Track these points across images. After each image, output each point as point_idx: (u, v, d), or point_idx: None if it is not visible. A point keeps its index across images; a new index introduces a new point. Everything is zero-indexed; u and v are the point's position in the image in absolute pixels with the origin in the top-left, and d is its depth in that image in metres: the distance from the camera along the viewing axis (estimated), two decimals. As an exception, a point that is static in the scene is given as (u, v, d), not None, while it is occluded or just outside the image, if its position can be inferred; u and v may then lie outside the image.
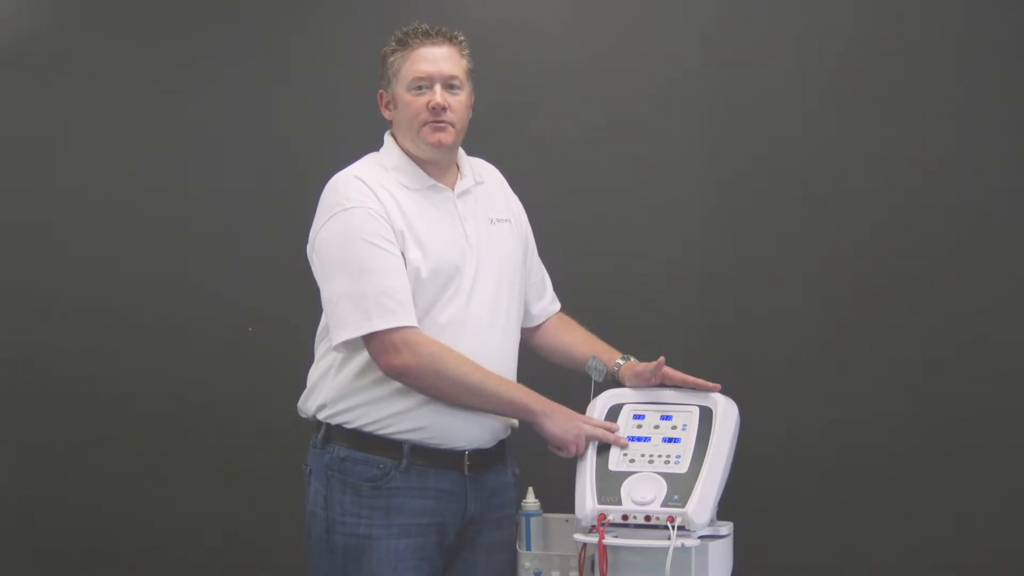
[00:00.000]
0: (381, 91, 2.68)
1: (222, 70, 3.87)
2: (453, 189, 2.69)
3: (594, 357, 2.77)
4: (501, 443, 2.73)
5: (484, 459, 2.69)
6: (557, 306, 2.93)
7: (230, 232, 3.85)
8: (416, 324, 2.55)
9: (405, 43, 2.63)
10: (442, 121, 2.61)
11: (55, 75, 3.95)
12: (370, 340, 2.54)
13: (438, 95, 2.61)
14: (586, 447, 2.60)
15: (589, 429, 2.60)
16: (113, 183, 3.92)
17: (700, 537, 2.48)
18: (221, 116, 3.86)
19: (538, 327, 2.90)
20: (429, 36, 2.62)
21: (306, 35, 3.81)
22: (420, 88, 2.61)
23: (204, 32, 3.87)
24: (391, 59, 2.64)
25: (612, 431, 2.61)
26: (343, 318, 2.54)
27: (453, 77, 2.63)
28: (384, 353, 2.53)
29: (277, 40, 3.83)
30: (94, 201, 3.93)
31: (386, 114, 2.69)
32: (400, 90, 2.62)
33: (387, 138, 2.71)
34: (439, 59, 2.62)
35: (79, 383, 3.94)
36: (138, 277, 3.90)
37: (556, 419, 2.60)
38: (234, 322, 3.84)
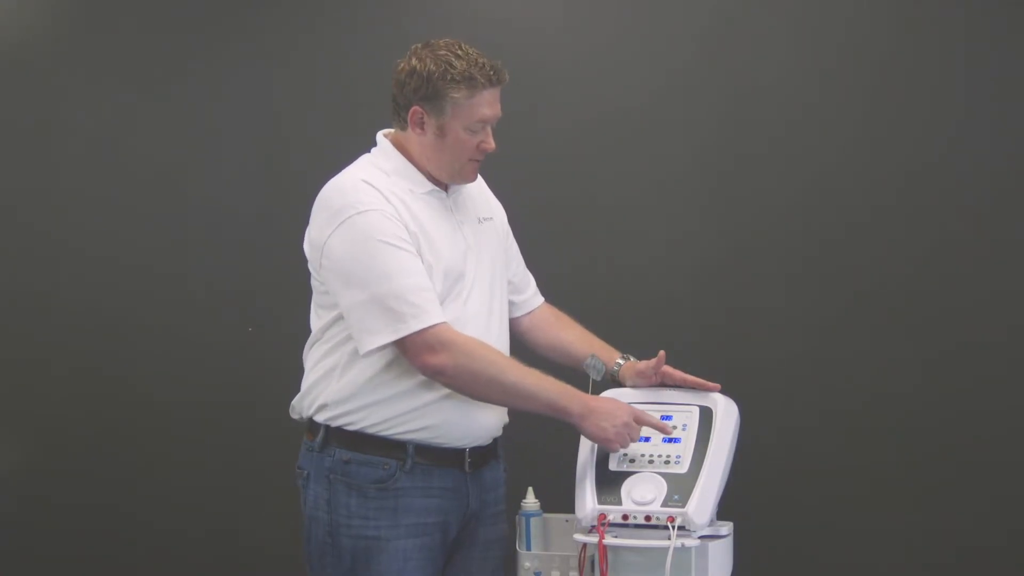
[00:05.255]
0: (418, 109, 2.59)
1: (222, 70, 3.87)
2: (447, 192, 2.70)
3: (593, 356, 2.77)
4: (495, 439, 2.74)
5: (482, 456, 2.70)
6: (540, 299, 2.94)
7: (230, 232, 3.85)
8: (445, 319, 2.54)
9: (473, 81, 2.56)
10: (480, 160, 2.66)
11: (55, 75, 3.95)
12: (404, 343, 2.53)
13: (491, 140, 2.63)
14: (638, 431, 2.57)
15: (636, 416, 2.57)
16: (113, 183, 3.92)
17: (700, 537, 2.48)
18: (221, 116, 3.86)
19: (533, 323, 2.90)
20: (492, 78, 2.58)
21: (307, 35, 3.81)
22: (476, 130, 2.61)
23: (204, 32, 3.87)
24: (453, 94, 2.56)
25: (663, 428, 2.59)
26: (373, 323, 2.52)
27: (498, 117, 2.65)
28: (421, 353, 2.52)
29: (278, 40, 3.83)
30: (94, 201, 3.93)
31: (416, 131, 2.62)
32: (455, 126, 2.58)
33: (383, 141, 2.69)
34: (496, 102, 2.62)
35: (79, 383, 3.94)
36: (138, 277, 3.90)
37: (593, 417, 2.56)
38: (234, 322, 3.84)
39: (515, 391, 2.57)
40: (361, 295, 2.52)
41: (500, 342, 2.71)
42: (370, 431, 2.59)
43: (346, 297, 2.55)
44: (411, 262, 2.54)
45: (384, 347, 2.54)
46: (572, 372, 2.81)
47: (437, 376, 2.55)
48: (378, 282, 2.51)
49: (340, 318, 2.60)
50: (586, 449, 2.61)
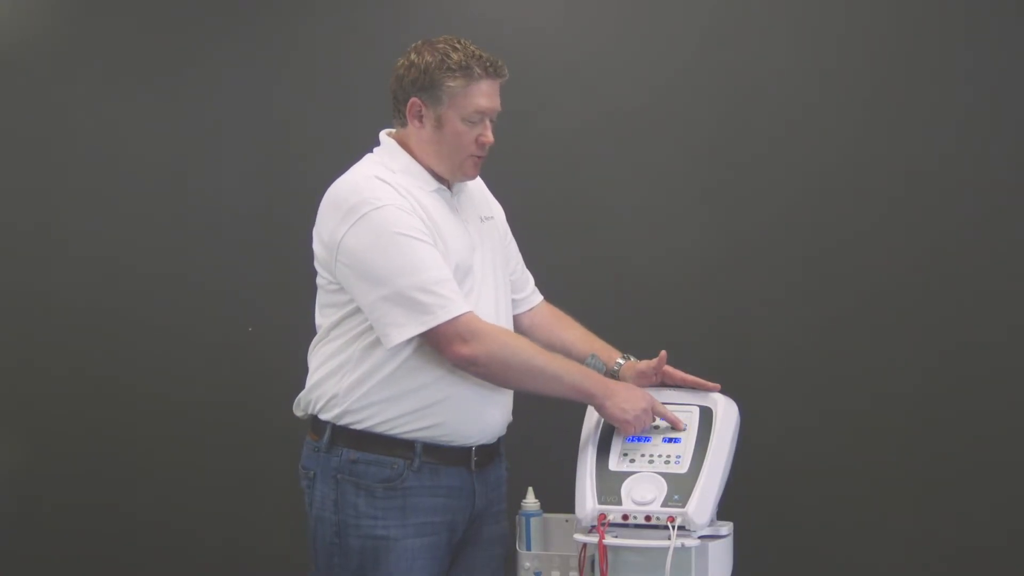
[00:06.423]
0: (416, 100, 2.61)
1: (222, 70, 3.87)
2: (450, 191, 2.70)
3: (593, 355, 2.77)
4: (500, 438, 2.74)
5: (488, 454, 2.70)
6: (539, 297, 2.95)
7: (230, 232, 3.85)
8: (471, 308, 2.56)
9: (469, 71, 2.58)
10: (482, 156, 2.66)
11: (55, 75, 3.95)
12: (433, 334, 2.53)
13: (490, 132, 2.64)
14: (653, 420, 2.61)
15: (654, 406, 2.61)
16: (113, 183, 3.92)
17: (700, 537, 2.47)
18: (221, 116, 3.86)
19: (533, 322, 2.90)
20: (489, 70, 2.60)
21: (307, 35, 3.81)
22: (474, 121, 2.62)
23: (204, 32, 3.87)
24: (449, 83, 2.58)
25: (676, 422, 2.62)
26: (399, 316, 2.52)
27: (497, 112, 2.66)
28: (452, 344, 2.53)
29: (278, 40, 3.84)
30: (94, 201, 3.93)
31: (414, 124, 2.64)
32: (452, 116, 2.60)
33: (387, 140, 2.69)
34: (494, 94, 2.63)
35: (79, 383, 3.94)
36: (138, 277, 3.90)
37: (616, 399, 2.60)
38: (234, 322, 3.84)
39: (543, 375, 2.59)
40: (384, 289, 2.52)
41: None
42: (377, 430, 2.59)
43: (368, 293, 2.55)
44: (432, 254, 2.54)
45: (411, 340, 2.54)
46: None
47: (469, 366, 2.56)
48: (401, 275, 2.51)
49: (349, 316, 2.61)
50: (587, 448, 2.62)
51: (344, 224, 2.56)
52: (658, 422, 2.62)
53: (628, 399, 2.60)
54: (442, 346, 2.55)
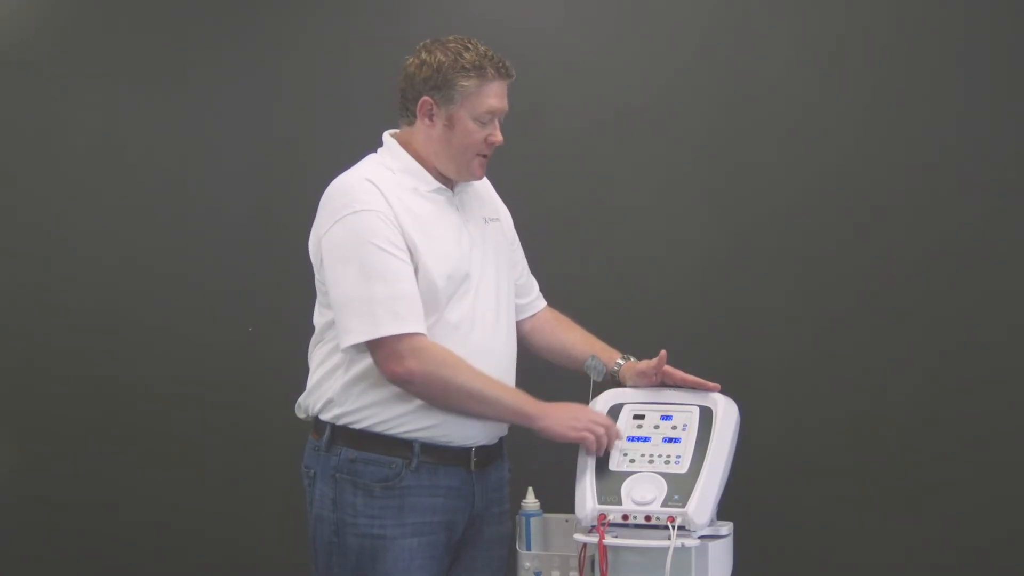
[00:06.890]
0: (428, 99, 2.61)
1: (222, 70, 3.87)
2: (452, 191, 2.70)
3: (593, 356, 2.77)
4: (501, 439, 2.75)
5: (488, 455, 2.70)
6: (543, 303, 2.95)
7: (230, 232, 3.85)
8: (424, 331, 2.54)
9: (483, 72, 2.60)
10: (488, 156, 2.67)
11: (56, 75, 3.95)
12: (376, 346, 2.54)
13: (499, 133, 2.65)
14: (613, 432, 2.59)
15: (594, 416, 2.60)
16: (113, 183, 3.92)
17: (700, 537, 2.48)
18: (222, 115, 3.86)
19: (534, 326, 2.90)
20: (501, 71, 2.62)
21: (307, 35, 3.81)
22: (484, 121, 2.63)
23: (204, 32, 3.87)
24: (463, 83, 2.59)
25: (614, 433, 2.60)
26: (352, 321, 2.53)
27: (505, 112, 2.67)
28: (388, 360, 2.53)
29: (278, 40, 3.84)
30: (94, 201, 3.93)
31: (424, 122, 2.64)
32: (464, 116, 2.61)
33: (389, 139, 2.70)
34: (504, 95, 2.65)
35: (79, 383, 3.94)
36: (138, 277, 3.90)
37: (553, 418, 2.59)
38: (234, 322, 3.84)
39: (482, 399, 2.58)
40: (347, 293, 2.54)
41: (507, 340, 2.72)
42: (376, 430, 2.60)
43: (334, 293, 2.57)
44: (399, 268, 2.54)
45: (358, 346, 2.55)
46: (573, 374, 2.82)
47: (406, 385, 2.55)
48: (365, 283, 2.52)
49: (343, 316, 2.62)
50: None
51: (328, 223, 2.58)
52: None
53: (569, 414, 2.59)
54: (379, 362, 2.55)
